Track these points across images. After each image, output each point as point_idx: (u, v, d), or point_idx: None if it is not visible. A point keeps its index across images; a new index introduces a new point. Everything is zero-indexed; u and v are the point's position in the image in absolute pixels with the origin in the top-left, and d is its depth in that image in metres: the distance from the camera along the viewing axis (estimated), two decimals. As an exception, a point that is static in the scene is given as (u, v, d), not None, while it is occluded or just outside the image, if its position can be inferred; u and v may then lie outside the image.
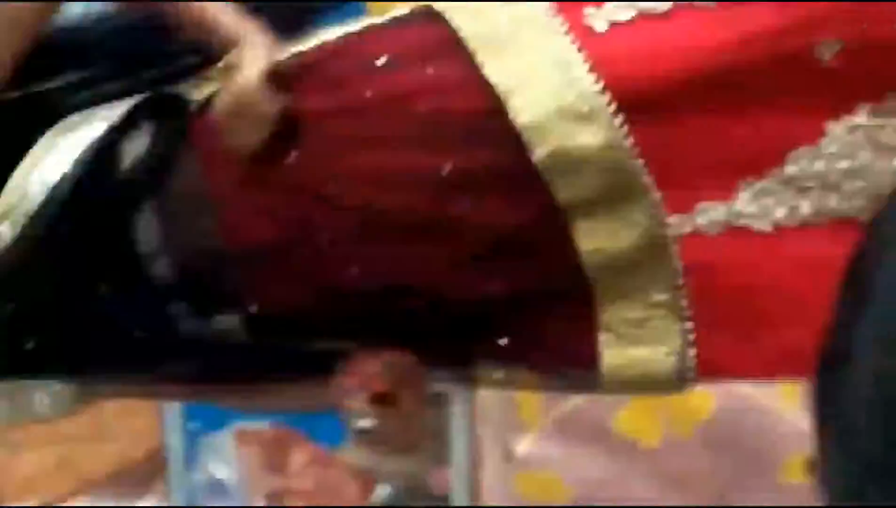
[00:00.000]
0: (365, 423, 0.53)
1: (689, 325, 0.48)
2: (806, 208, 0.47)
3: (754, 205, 0.48)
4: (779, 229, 0.48)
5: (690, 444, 1.05)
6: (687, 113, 0.47)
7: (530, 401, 1.08)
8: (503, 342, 0.51)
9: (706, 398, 1.05)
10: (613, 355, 0.49)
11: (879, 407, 0.23)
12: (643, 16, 0.46)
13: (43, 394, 0.54)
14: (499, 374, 0.53)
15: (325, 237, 0.49)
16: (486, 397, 1.09)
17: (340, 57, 0.50)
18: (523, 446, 1.08)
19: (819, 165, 0.48)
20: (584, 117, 0.45)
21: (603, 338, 0.49)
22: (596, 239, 0.47)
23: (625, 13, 0.46)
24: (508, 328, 0.51)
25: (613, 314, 0.48)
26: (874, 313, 0.25)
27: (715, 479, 1.03)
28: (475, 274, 0.49)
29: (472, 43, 0.47)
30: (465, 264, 0.49)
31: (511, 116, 0.46)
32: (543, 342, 0.51)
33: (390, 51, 0.48)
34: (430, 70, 0.48)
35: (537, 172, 0.46)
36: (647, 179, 0.46)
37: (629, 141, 0.46)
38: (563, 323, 0.51)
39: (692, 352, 0.49)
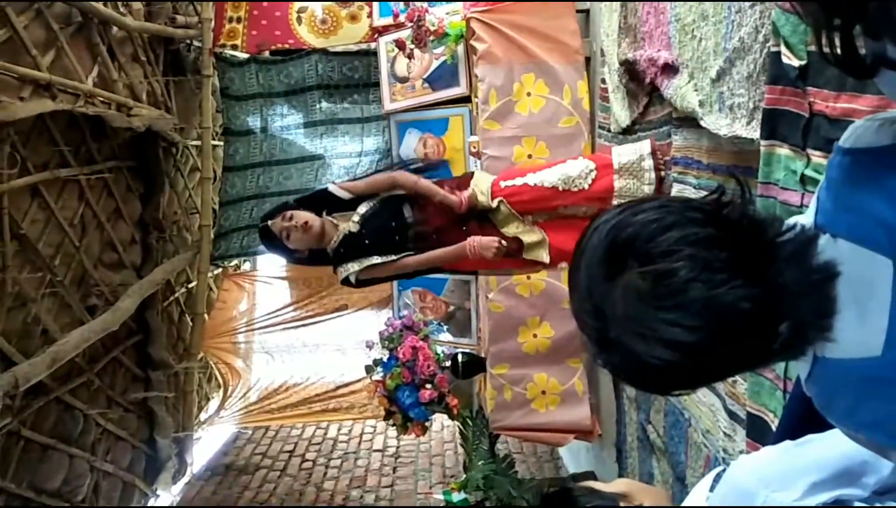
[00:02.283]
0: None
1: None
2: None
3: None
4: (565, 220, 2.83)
5: (537, 295, 3.56)
6: (528, 201, 2.81)
7: (493, 282, 3.64)
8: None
9: (542, 283, 3.56)
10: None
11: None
12: (517, 185, 2.87)
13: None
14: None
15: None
16: (480, 282, 3.71)
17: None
18: (491, 295, 3.63)
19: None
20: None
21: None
22: (498, 215, 2.83)
23: (515, 181, 2.88)
24: None
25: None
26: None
27: (541, 305, 3.53)
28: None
29: (474, 178, 2.88)
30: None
31: (477, 191, 2.85)
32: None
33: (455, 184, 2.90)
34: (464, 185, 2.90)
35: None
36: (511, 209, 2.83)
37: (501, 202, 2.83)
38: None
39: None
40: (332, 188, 2.62)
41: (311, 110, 4.45)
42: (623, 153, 2.55)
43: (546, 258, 2.59)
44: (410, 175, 2.66)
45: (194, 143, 4.84)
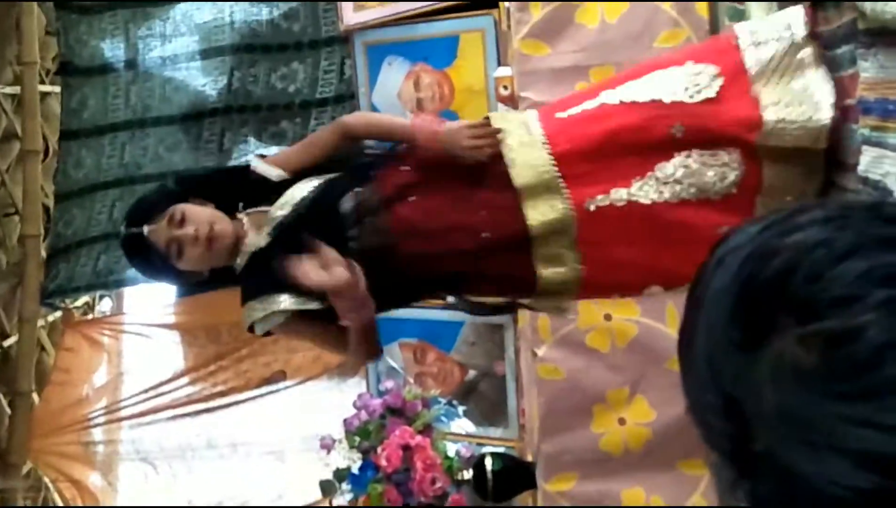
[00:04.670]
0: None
1: (580, 260, 2.80)
2: (666, 193, 2.76)
3: (639, 190, 2.77)
4: (653, 202, 2.80)
5: (623, 350, 3.57)
6: (602, 155, 2.78)
7: (545, 327, 3.66)
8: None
9: (631, 328, 3.57)
10: (543, 274, 2.88)
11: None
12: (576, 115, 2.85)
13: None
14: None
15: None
16: (522, 328, 3.73)
17: None
18: (541, 351, 3.65)
19: (671, 172, 2.88)
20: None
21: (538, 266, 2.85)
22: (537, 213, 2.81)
23: (585, 106, 2.84)
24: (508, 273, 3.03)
25: (540, 253, 2.86)
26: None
27: (631, 368, 3.54)
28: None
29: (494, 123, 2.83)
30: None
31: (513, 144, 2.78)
32: (515, 276, 2.99)
33: None
34: None
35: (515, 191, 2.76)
36: (564, 186, 2.74)
37: (556, 171, 2.74)
38: (517, 262, 2.99)
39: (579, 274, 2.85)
40: (256, 165, 2.60)
41: (216, 28, 4.48)
42: (759, 31, 2.58)
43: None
44: (364, 114, 2.71)
45: (9, 90, 4.88)
